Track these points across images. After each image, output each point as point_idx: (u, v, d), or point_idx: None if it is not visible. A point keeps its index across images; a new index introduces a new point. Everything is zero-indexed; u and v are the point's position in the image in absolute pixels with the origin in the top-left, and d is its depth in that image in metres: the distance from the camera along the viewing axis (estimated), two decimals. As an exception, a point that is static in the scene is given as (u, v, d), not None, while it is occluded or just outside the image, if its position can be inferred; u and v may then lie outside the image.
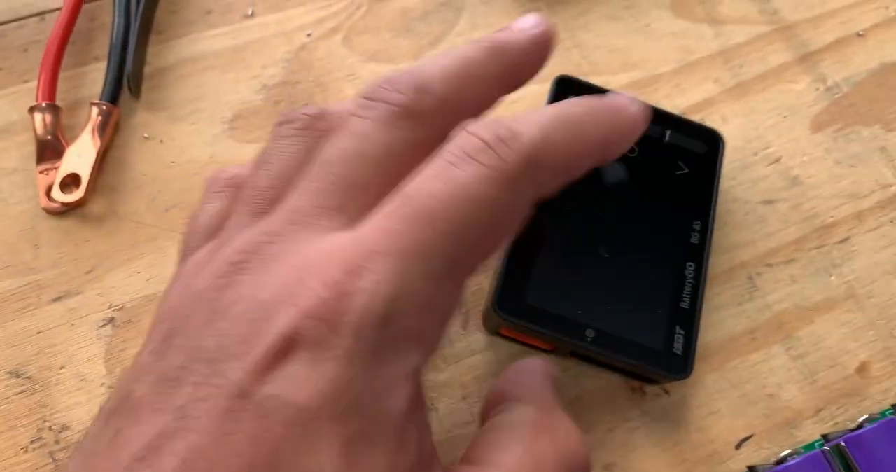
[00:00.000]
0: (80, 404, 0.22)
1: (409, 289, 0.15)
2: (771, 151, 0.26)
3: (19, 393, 0.22)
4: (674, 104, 0.27)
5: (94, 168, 0.24)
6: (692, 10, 0.29)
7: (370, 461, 0.15)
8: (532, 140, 0.17)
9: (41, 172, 0.24)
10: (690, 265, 0.22)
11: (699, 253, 0.22)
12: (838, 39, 0.29)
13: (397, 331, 0.15)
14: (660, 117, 0.24)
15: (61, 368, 0.22)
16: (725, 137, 0.25)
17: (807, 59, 0.28)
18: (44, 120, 0.25)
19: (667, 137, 0.24)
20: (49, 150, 0.25)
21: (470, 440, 0.18)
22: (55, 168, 0.24)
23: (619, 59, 0.28)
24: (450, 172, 0.16)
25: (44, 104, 0.25)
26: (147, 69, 0.27)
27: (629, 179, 0.23)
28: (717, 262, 0.24)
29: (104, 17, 0.27)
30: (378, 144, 0.17)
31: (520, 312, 0.21)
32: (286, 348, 0.14)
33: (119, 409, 0.15)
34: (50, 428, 0.22)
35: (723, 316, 0.24)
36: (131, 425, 0.14)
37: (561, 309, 0.21)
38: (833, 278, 0.25)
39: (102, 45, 0.27)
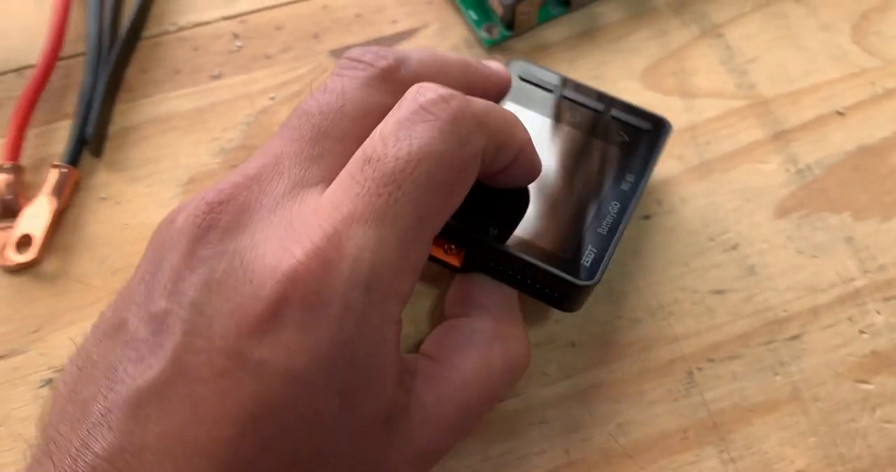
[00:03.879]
0: (12, 463, 0.23)
1: (386, 253, 0.16)
2: (728, 238, 0.26)
3: (-42, 449, 0.23)
4: (632, 182, 0.26)
5: (47, 229, 0.25)
6: (663, 81, 0.28)
7: (367, 407, 0.17)
8: (479, 103, 0.18)
9: (0, 230, 0.25)
10: (616, 204, 0.22)
11: (627, 197, 0.23)
12: (817, 117, 0.28)
13: (379, 293, 0.16)
14: (616, 102, 0.25)
15: (-1, 426, 0.23)
16: (681, 219, 0.25)
17: (780, 137, 0.27)
18: (5, 180, 0.26)
19: (615, 114, 0.24)
20: (8, 209, 0.26)
21: (433, 331, 0.21)
22: (12, 227, 0.25)
23: (581, 132, 0.27)
24: (408, 130, 0.17)
25: (7, 164, 0.26)
26: (113, 128, 0.28)
27: (575, 135, 0.24)
28: (657, 354, 0.24)
29: (78, 73, 0.28)
30: (356, 101, 0.19)
31: None
32: (276, 313, 0.16)
33: (116, 337, 0.17)
34: (-17, 487, 0.23)
35: (656, 412, 0.23)
36: (132, 361, 0.16)
37: (473, 220, 0.21)
38: (779, 377, 0.24)
39: (74, 102, 0.28)
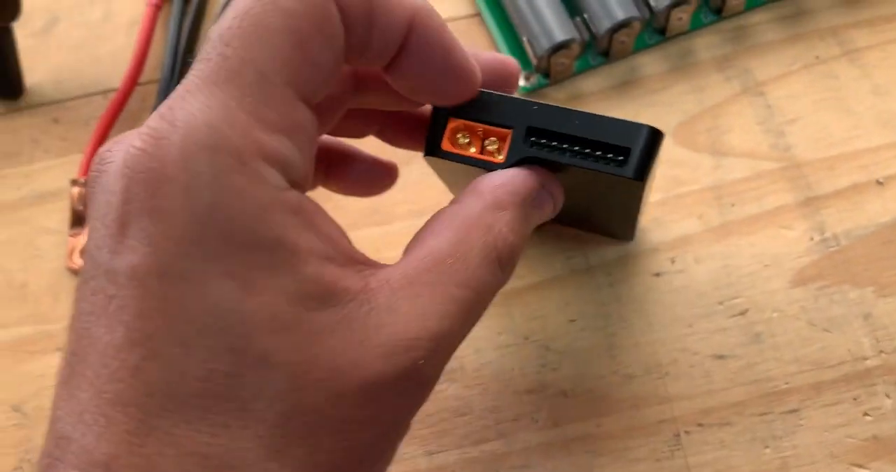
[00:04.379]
0: (55, 444, 0.26)
1: (225, 113, 0.15)
2: (738, 303, 0.26)
3: (14, 425, 0.27)
4: (647, 238, 0.27)
5: (108, 240, 0.28)
6: (695, 137, 0.28)
7: (269, 283, 0.15)
8: None
9: (71, 236, 0.29)
10: None
11: None
12: (853, 185, 0.27)
13: (230, 154, 0.15)
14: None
15: (49, 410, 0.27)
16: (692, 280, 0.25)
17: (809, 203, 0.27)
18: (80, 193, 0.29)
19: None
20: (79, 218, 0.29)
21: None
22: (81, 234, 0.29)
23: (604, 184, 0.28)
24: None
25: (82, 180, 0.29)
26: (176, 151, 0.31)
27: None
28: (647, 412, 0.24)
29: (153, 98, 0.32)
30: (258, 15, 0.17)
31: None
32: (131, 213, 0.14)
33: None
34: (29, 461, 0.26)
35: (637, 470, 0.24)
36: (69, 332, 0.15)
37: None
38: (769, 450, 0.23)
39: (146, 124, 0.31)
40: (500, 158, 0.19)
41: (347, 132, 0.23)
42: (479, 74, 0.19)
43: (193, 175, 0.14)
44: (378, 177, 0.24)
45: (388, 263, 0.17)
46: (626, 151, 0.19)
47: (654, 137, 0.19)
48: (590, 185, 0.20)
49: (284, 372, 0.15)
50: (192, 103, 0.15)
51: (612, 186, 0.20)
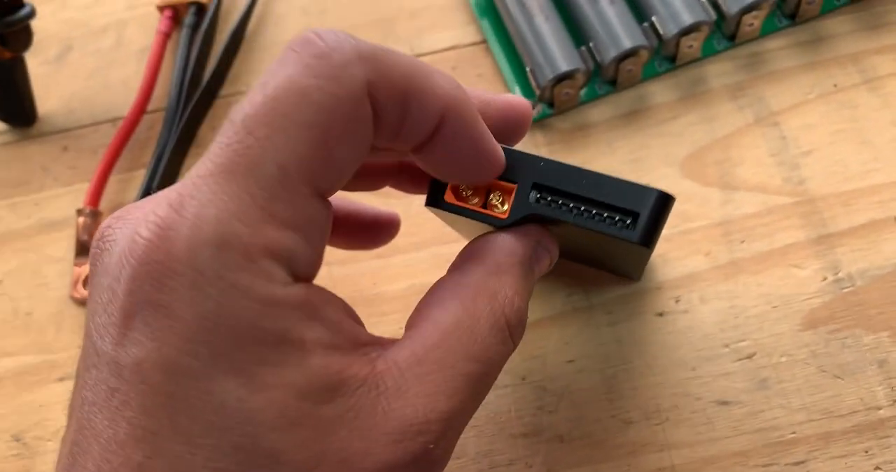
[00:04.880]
0: (54, 475, 0.26)
1: (238, 207, 0.14)
2: (745, 346, 0.24)
3: (15, 455, 0.27)
4: (651, 276, 0.26)
5: (110, 271, 0.28)
6: (704, 170, 0.27)
7: (275, 380, 0.14)
8: (367, 42, 0.16)
9: (76, 265, 0.29)
10: None
11: None
12: (870, 222, 0.26)
13: (238, 251, 0.14)
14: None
15: (48, 441, 0.27)
16: (697, 320, 0.24)
17: (823, 241, 0.26)
18: (84, 222, 0.29)
19: None
20: (84, 248, 0.29)
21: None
22: (85, 264, 0.29)
23: (608, 218, 0.27)
24: (270, 75, 0.15)
25: (87, 209, 0.29)
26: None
27: None
28: (645, 460, 0.23)
29: (160, 126, 0.32)
30: (293, 86, 0.16)
31: None
32: (136, 305, 0.14)
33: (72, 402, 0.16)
34: (28, 491, 0.26)
35: (634, 520, 0.23)
36: (71, 417, 0.15)
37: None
38: (773, 503, 0.22)
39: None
40: (504, 212, 0.19)
41: (361, 187, 0.22)
42: (503, 160, 0.18)
43: (199, 272, 0.14)
44: (380, 230, 0.24)
45: (390, 337, 0.17)
46: (634, 216, 0.18)
47: (664, 202, 0.18)
48: (595, 239, 0.20)
49: (293, 469, 0.14)
50: (204, 193, 0.14)
51: (617, 244, 0.19)
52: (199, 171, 0.15)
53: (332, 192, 0.16)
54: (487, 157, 0.18)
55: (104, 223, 0.16)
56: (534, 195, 0.19)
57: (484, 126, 0.17)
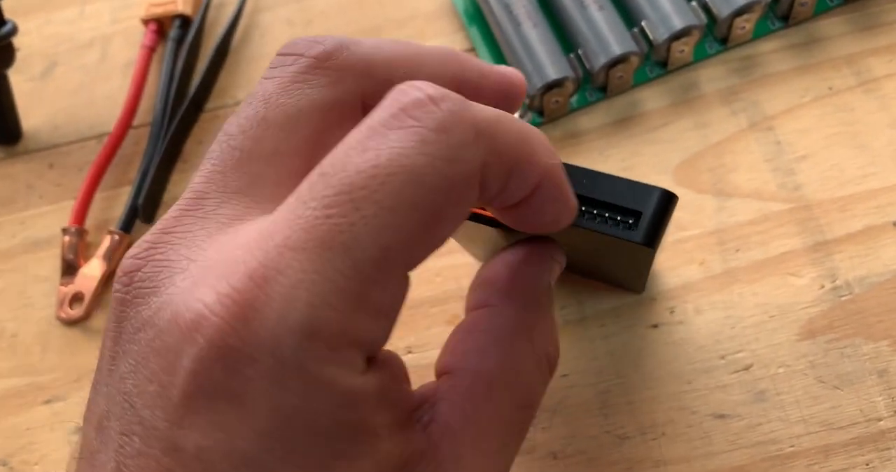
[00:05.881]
0: (42, 500, 0.26)
1: (332, 290, 0.13)
2: (741, 357, 0.24)
3: (2, 480, 0.26)
4: (644, 287, 0.25)
5: (95, 290, 0.28)
6: (698, 177, 0.27)
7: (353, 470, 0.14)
8: (484, 110, 0.14)
9: (62, 285, 0.29)
10: None
11: None
12: (866, 228, 0.25)
13: (325, 341, 0.13)
14: None
15: (35, 464, 0.26)
16: (692, 332, 0.24)
17: (819, 248, 0.25)
18: (70, 241, 0.29)
19: None
20: (70, 267, 0.29)
21: (448, 338, 0.17)
22: (71, 284, 0.29)
23: (600, 228, 0.27)
24: (380, 139, 0.13)
25: (72, 228, 0.29)
26: (168, 196, 0.30)
27: None
28: (641, 476, 0.23)
29: (146, 141, 0.31)
30: (283, 106, 0.15)
31: None
32: (202, 389, 0.13)
33: (83, 455, 0.15)
34: (15, 516, 0.26)
35: (631, 539, 0.22)
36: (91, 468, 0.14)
37: None
38: (772, 520, 0.22)
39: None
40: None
41: None
42: (576, 211, 0.17)
43: (281, 362, 0.13)
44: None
45: None
46: (636, 215, 0.18)
47: (668, 201, 0.18)
48: (597, 244, 0.19)
49: None
50: (294, 270, 0.13)
51: (621, 247, 0.19)
52: (287, 240, 0.13)
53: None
54: (569, 213, 0.17)
55: (132, 261, 0.14)
56: None
57: (571, 190, 0.17)
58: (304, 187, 0.14)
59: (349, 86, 0.16)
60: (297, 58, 0.16)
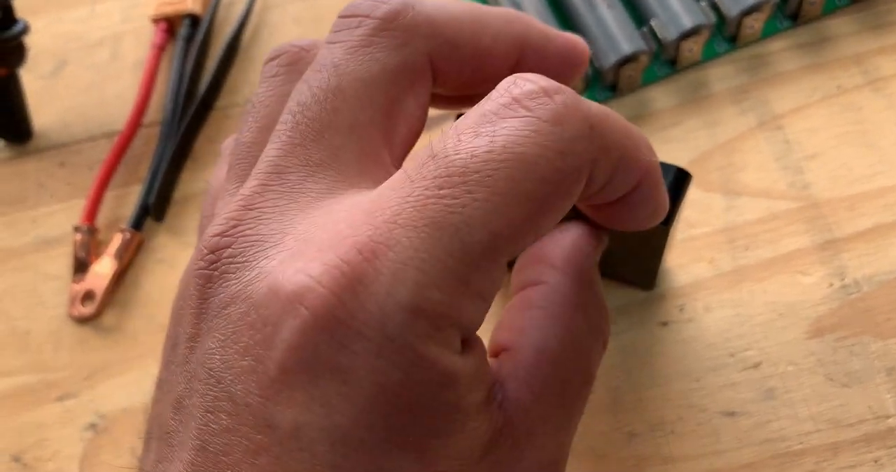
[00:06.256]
0: (55, 496, 0.26)
1: (440, 271, 0.13)
2: (751, 355, 0.24)
3: (15, 476, 0.27)
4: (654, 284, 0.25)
5: (107, 288, 0.28)
6: (706, 176, 0.27)
7: (445, 452, 0.14)
8: (594, 105, 0.14)
9: (74, 283, 0.29)
10: None
11: None
12: (875, 226, 0.25)
13: (430, 320, 0.13)
14: None
15: (48, 461, 0.27)
16: (701, 330, 0.24)
17: (829, 246, 0.25)
18: (81, 239, 0.29)
19: None
20: (81, 265, 0.29)
21: (503, 315, 0.17)
22: (83, 281, 0.29)
23: (609, 226, 0.27)
24: (492, 126, 0.13)
25: (83, 226, 0.29)
26: (178, 194, 0.30)
27: None
28: (650, 473, 0.23)
29: (156, 139, 0.32)
30: (355, 72, 0.15)
31: None
32: (301, 358, 0.12)
33: (155, 435, 0.15)
34: (28, 512, 0.26)
35: (640, 535, 0.22)
36: (166, 460, 0.14)
37: None
38: (781, 516, 0.22)
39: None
40: None
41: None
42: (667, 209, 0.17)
43: (389, 338, 0.13)
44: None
45: None
46: None
47: (682, 179, 0.18)
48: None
49: None
50: (404, 246, 0.13)
51: (634, 233, 0.19)
52: (397, 217, 0.13)
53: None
54: (662, 211, 0.17)
55: (218, 238, 0.14)
56: None
57: (665, 190, 0.17)
58: (415, 166, 0.14)
59: (418, 47, 0.15)
60: (362, 19, 0.15)
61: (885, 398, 0.23)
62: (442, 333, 0.13)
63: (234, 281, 0.13)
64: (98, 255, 0.29)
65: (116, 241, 0.29)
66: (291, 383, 0.12)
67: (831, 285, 0.25)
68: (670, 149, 0.28)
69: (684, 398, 0.24)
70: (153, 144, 0.31)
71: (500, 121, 0.13)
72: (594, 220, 0.18)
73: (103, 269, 0.29)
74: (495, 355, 0.17)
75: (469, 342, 0.14)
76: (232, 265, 0.14)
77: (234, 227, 0.14)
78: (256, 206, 0.14)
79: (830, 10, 0.28)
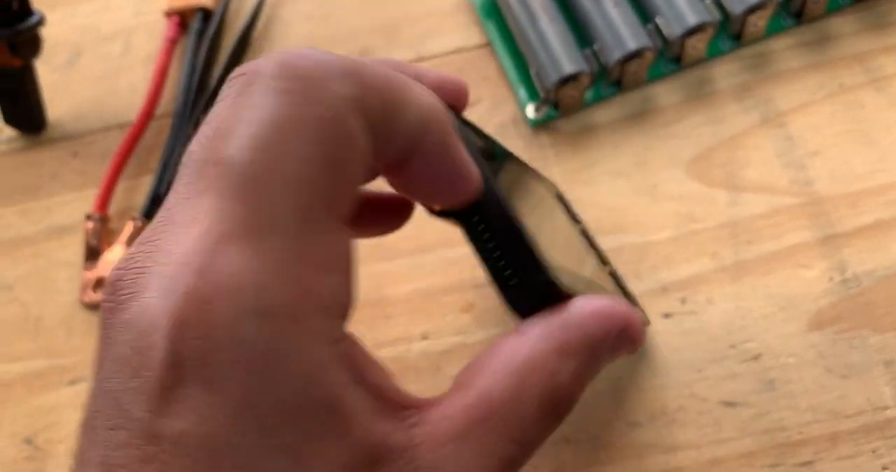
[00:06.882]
0: (65, 478, 0.27)
1: (274, 267, 0.14)
2: (752, 347, 0.24)
3: (27, 458, 0.27)
4: (657, 278, 0.26)
5: (119, 275, 0.29)
6: (710, 171, 0.27)
7: (321, 456, 0.14)
8: (350, 61, 0.16)
9: (86, 270, 0.29)
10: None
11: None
12: (876, 222, 0.26)
13: (283, 315, 0.14)
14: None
15: (60, 442, 0.27)
16: (703, 322, 0.24)
17: (829, 241, 0.25)
18: (93, 227, 0.30)
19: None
20: (93, 253, 0.29)
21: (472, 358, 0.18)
22: (95, 269, 0.29)
23: (613, 219, 0.27)
24: (240, 106, 0.15)
25: (96, 215, 0.30)
26: (188, 184, 0.31)
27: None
28: (651, 462, 0.23)
29: (168, 131, 0.32)
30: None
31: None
32: (177, 374, 0.14)
33: (74, 455, 0.15)
34: (40, 494, 0.27)
35: (641, 522, 0.23)
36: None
37: None
38: (780, 505, 0.22)
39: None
40: None
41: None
42: (479, 181, 0.18)
43: (244, 345, 0.13)
44: (393, 215, 0.22)
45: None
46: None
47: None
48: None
49: None
50: (234, 257, 0.14)
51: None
52: (222, 231, 0.14)
53: (350, 213, 0.16)
54: (464, 174, 0.17)
55: (116, 271, 0.15)
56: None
57: (459, 141, 0.17)
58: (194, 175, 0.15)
59: (341, 98, 0.16)
60: (282, 70, 0.16)
61: (884, 390, 0.23)
62: (301, 324, 0.14)
63: (126, 312, 0.15)
64: (110, 243, 0.30)
65: (128, 229, 0.29)
66: (170, 398, 0.14)
67: (832, 279, 0.25)
68: (674, 145, 0.28)
69: (686, 388, 0.24)
70: (165, 136, 0.32)
71: (242, 100, 0.15)
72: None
73: (115, 256, 0.29)
74: (451, 389, 0.17)
75: (349, 339, 0.15)
76: (123, 297, 0.15)
77: (128, 260, 0.15)
78: (148, 241, 0.15)
79: (834, 9, 0.29)
